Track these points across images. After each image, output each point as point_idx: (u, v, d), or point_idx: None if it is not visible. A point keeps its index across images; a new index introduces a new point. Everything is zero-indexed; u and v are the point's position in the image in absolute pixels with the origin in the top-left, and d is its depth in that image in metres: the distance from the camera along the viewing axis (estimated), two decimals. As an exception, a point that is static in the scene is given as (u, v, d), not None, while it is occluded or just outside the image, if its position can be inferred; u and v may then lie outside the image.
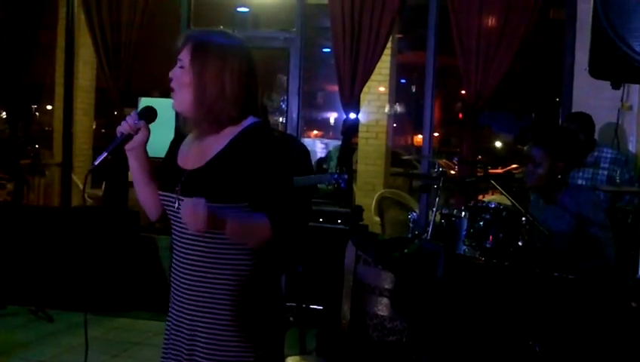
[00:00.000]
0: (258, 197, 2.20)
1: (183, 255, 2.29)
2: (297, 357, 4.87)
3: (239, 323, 2.23)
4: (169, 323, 2.37)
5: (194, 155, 2.31)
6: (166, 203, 2.33)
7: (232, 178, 2.20)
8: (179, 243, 2.31)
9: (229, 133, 2.27)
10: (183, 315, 2.29)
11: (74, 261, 6.31)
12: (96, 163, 2.26)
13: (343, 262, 4.76)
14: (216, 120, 2.25)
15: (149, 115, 2.34)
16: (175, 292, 2.32)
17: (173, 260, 2.34)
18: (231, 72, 2.25)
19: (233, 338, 2.23)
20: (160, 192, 2.36)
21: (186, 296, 2.27)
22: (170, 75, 2.31)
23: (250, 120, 2.30)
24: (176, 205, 2.26)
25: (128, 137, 2.30)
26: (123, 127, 2.30)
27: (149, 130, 2.34)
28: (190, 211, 2.06)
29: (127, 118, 2.31)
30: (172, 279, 2.34)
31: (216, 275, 2.23)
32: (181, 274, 2.29)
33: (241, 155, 2.21)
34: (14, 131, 8.21)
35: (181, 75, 2.28)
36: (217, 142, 2.28)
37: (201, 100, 2.24)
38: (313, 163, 10.40)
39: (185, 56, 2.28)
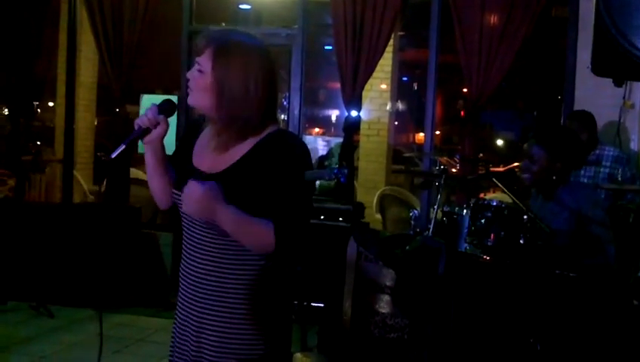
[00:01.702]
0: (272, 206, 2.17)
1: (191, 252, 2.29)
2: (299, 354, 4.87)
3: (247, 319, 2.23)
4: (176, 321, 2.37)
5: (212, 158, 2.28)
6: (178, 201, 2.32)
7: (249, 187, 2.18)
8: (188, 241, 2.31)
9: (251, 140, 2.24)
10: (191, 312, 2.29)
11: (75, 257, 6.32)
12: (114, 155, 2.24)
13: (344, 259, 4.76)
14: (239, 127, 2.21)
15: (169, 108, 2.31)
16: (183, 288, 2.33)
17: (182, 257, 2.34)
18: (254, 74, 2.20)
19: (241, 333, 2.23)
20: (174, 191, 2.34)
21: (194, 293, 2.28)
22: (188, 75, 2.26)
23: (271, 128, 2.26)
24: None
25: (146, 131, 2.29)
26: (142, 121, 2.28)
27: (168, 125, 2.32)
28: (188, 193, 2.12)
29: (147, 112, 2.29)
30: (180, 276, 2.35)
31: (224, 272, 2.23)
32: (190, 271, 2.30)
33: (261, 165, 2.19)
34: (16, 127, 8.21)
35: (200, 79, 2.23)
36: (238, 149, 2.24)
37: (227, 108, 2.20)
38: (315, 160, 10.41)
39: (205, 62, 2.22)
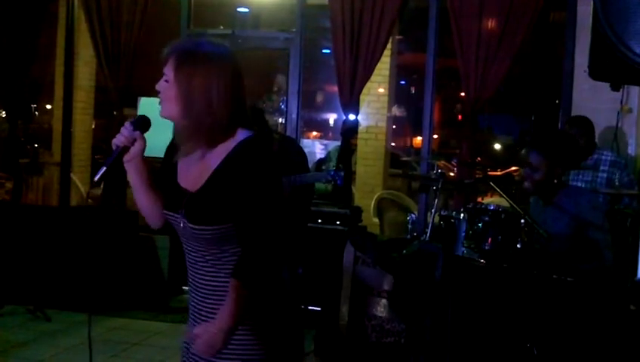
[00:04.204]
0: (242, 220, 2.17)
1: (191, 264, 2.31)
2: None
3: (248, 324, 2.23)
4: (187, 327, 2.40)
5: (193, 175, 2.28)
6: (171, 221, 2.33)
7: (223, 201, 2.18)
8: (187, 255, 2.33)
9: (223, 149, 2.24)
10: (197, 318, 2.31)
11: (72, 260, 6.30)
12: (97, 178, 2.25)
13: (341, 263, 4.76)
14: (207, 133, 2.22)
15: (144, 124, 2.32)
16: (191, 299, 2.36)
17: (187, 265, 2.36)
18: (217, 82, 2.20)
19: (240, 339, 2.23)
20: (165, 211, 2.35)
21: (198, 302, 2.30)
22: (157, 87, 2.26)
23: (241, 134, 2.25)
24: (182, 225, 2.26)
25: (125, 149, 2.29)
26: (119, 140, 2.28)
27: (144, 141, 2.32)
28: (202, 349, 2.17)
29: (122, 130, 2.29)
30: (188, 286, 2.37)
31: (221, 282, 2.23)
32: (193, 282, 2.32)
33: (232, 175, 2.19)
34: (14, 130, 8.20)
35: (166, 89, 2.23)
36: (212, 160, 2.24)
37: (190, 114, 2.20)
38: (313, 164, 10.41)
39: (169, 71, 2.23)
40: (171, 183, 2.35)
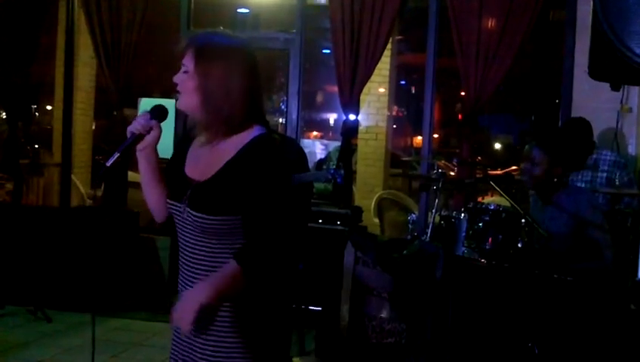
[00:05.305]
0: (251, 214, 2.17)
1: (186, 260, 2.30)
2: (297, 359, 4.87)
3: (238, 325, 2.22)
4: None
5: (202, 165, 2.28)
6: (174, 211, 2.32)
7: (234, 193, 2.18)
8: (183, 249, 2.31)
9: (237, 143, 2.24)
10: None
11: (73, 261, 6.30)
12: (109, 163, 2.24)
13: (342, 263, 4.75)
14: (225, 123, 2.22)
15: (161, 114, 2.31)
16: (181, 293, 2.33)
17: (179, 264, 2.34)
18: (235, 73, 2.22)
19: (232, 339, 2.22)
20: (168, 200, 2.34)
21: None
22: (175, 79, 2.27)
23: (256, 130, 2.26)
24: (184, 215, 2.25)
25: (139, 137, 2.29)
26: (134, 127, 2.28)
27: (160, 130, 2.32)
28: (179, 317, 2.14)
29: (139, 118, 2.30)
30: (179, 283, 2.35)
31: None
32: (185, 278, 2.30)
33: (245, 168, 2.19)
34: (14, 131, 8.20)
35: (186, 80, 2.24)
36: (224, 154, 2.24)
37: (208, 104, 2.21)
38: (313, 164, 10.41)
39: (188, 61, 2.24)
40: (178, 173, 2.34)
